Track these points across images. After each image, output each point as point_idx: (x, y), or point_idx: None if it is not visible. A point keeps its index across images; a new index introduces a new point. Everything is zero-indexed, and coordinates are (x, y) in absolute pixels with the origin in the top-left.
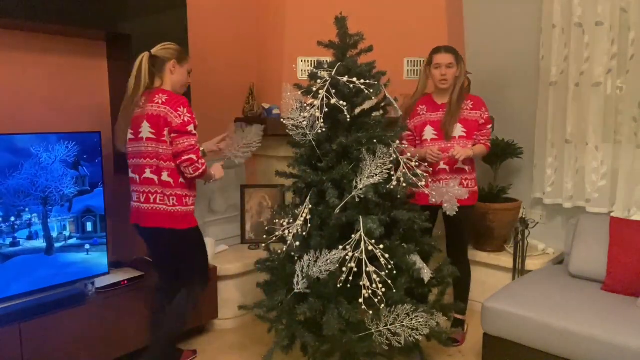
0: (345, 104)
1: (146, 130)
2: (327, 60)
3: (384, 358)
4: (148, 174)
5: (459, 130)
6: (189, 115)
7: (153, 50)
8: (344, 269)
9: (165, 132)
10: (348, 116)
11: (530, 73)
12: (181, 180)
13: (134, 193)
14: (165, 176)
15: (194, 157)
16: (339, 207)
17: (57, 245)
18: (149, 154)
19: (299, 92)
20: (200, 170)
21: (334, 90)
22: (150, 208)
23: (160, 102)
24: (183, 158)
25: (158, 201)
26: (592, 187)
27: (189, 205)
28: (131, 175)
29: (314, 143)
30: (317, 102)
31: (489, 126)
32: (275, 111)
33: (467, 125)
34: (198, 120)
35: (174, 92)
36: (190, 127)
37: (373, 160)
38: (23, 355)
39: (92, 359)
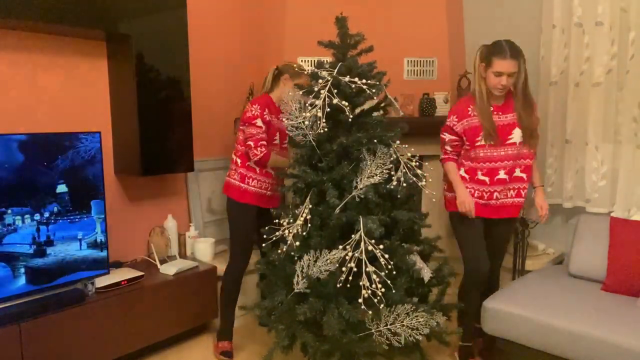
0: (347, 103)
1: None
2: (327, 60)
3: (384, 358)
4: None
5: (518, 135)
6: (259, 111)
7: (280, 65)
8: (344, 269)
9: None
10: (350, 116)
11: (530, 73)
12: (248, 163)
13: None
14: (234, 157)
15: (251, 144)
16: (339, 207)
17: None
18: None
19: (300, 92)
20: (257, 157)
21: (335, 90)
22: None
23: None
24: (246, 144)
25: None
26: (592, 187)
27: (249, 185)
28: None
29: (314, 143)
30: (319, 102)
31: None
32: None
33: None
34: (198, 120)
35: (274, 99)
36: (255, 121)
37: (373, 160)
38: (23, 355)
39: (92, 359)
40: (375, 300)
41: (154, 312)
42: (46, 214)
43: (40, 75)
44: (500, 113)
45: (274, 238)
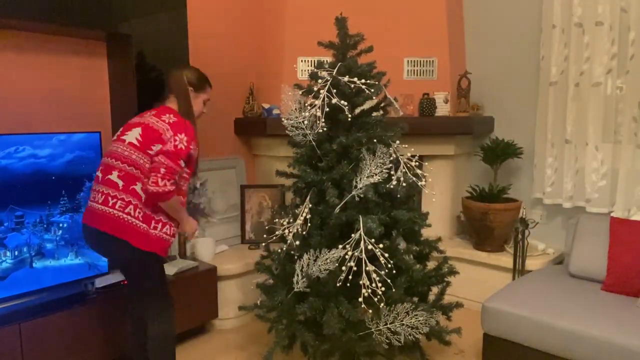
0: (346, 103)
1: None
2: (327, 60)
3: (383, 357)
4: None
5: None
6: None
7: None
8: (344, 268)
9: None
10: (349, 116)
11: (530, 73)
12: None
13: None
14: None
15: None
16: (338, 206)
17: None
18: None
19: (300, 92)
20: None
21: (334, 90)
22: None
23: None
24: None
25: None
26: (592, 187)
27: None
28: None
29: (314, 143)
30: (318, 102)
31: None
32: (275, 111)
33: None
34: (198, 120)
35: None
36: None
37: (373, 160)
38: (23, 355)
39: (91, 359)
40: (375, 299)
41: None
42: (45, 214)
43: (41, 75)
44: None
45: (274, 237)
